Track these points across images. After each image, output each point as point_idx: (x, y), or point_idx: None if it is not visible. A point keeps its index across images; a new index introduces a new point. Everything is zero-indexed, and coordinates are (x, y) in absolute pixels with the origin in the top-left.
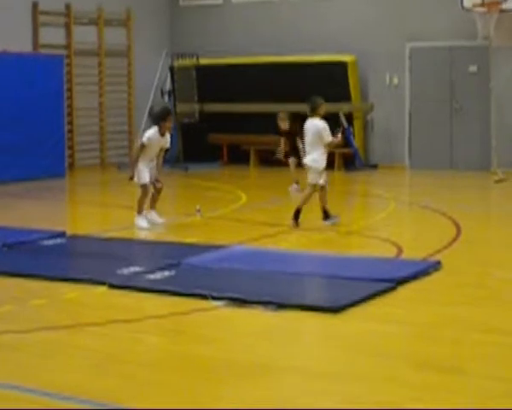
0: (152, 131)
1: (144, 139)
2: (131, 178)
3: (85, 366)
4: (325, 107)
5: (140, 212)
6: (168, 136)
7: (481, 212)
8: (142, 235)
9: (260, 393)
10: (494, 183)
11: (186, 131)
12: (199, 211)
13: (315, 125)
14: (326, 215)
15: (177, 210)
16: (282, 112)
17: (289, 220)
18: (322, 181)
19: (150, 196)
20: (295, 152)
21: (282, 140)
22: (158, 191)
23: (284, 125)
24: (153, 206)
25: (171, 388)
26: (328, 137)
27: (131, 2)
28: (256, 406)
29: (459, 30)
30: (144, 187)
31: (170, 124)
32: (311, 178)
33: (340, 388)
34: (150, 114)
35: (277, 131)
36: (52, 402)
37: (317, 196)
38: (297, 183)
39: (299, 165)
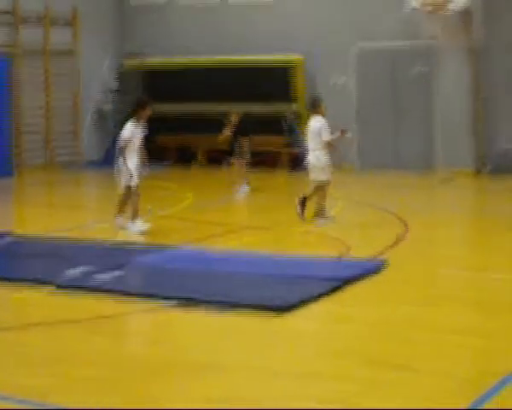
0: (129, 125)
1: (126, 136)
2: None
3: (30, 366)
4: (324, 106)
5: (136, 216)
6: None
7: (427, 211)
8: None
9: (208, 389)
10: (439, 183)
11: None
12: (150, 211)
13: (315, 124)
14: (320, 213)
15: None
16: (234, 110)
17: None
18: (324, 178)
19: (122, 200)
20: (239, 151)
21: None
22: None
23: (235, 119)
24: (123, 209)
25: (115, 387)
26: (327, 136)
27: (78, 1)
28: (203, 400)
29: (406, 31)
30: (136, 188)
31: (149, 111)
32: (314, 175)
33: (287, 385)
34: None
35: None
36: None
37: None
38: (247, 183)
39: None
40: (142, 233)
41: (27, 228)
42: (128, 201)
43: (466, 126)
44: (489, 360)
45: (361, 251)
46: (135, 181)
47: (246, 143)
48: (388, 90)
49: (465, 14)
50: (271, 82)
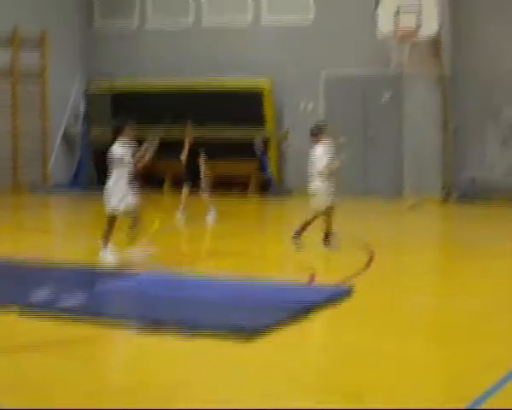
0: (118, 145)
1: (119, 155)
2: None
3: None
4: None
5: (105, 243)
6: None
7: (394, 237)
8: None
9: None
10: (407, 209)
11: (100, 155)
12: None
13: (317, 152)
14: (327, 240)
15: (91, 235)
16: (189, 125)
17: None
18: (323, 206)
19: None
20: (191, 174)
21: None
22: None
23: (189, 137)
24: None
25: None
26: (320, 165)
27: (47, 23)
28: None
29: (373, 58)
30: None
31: (132, 131)
32: (315, 203)
33: None
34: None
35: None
36: None
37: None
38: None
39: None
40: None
41: None
42: (114, 227)
43: (434, 154)
44: (450, 388)
45: (327, 277)
46: (116, 204)
47: (203, 165)
48: (357, 117)
49: (434, 42)
50: (242, 106)
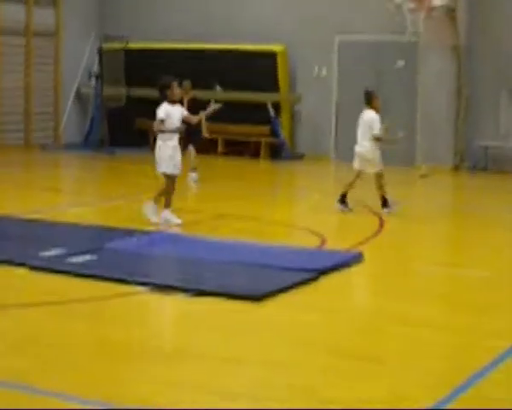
0: (163, 105)
1: (162, 114)
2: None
3: (3, 348)
4: (379, 101)
5: (167, 206)
6: (179, 105)
7: (404, 207)
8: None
9: (177, 375)
10: (419, 178)
11: (113, 115)
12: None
13: (367, 117)
14: (384, 203)
15: (100, 193)
16: (187, 82)
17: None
18: (372, 170)
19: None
20: (194, 134)
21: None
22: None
23: (188, 95)
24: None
25: (89, 370)
26: (376, 130)
27: None
28: (174, 385)
29: (388, 24)
30: (165, 177)
31: (177, 89)
32: (356, 164)
33: (255, 372)
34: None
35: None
36: None
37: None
38: (194, 170)
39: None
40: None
41: (3, 208)
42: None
43: (447, 123)
44: (457, 354)
45: (337, 243)
46: (171, 168)
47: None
48: (371, 84)
49: (450, 11)
50: (254, 71)
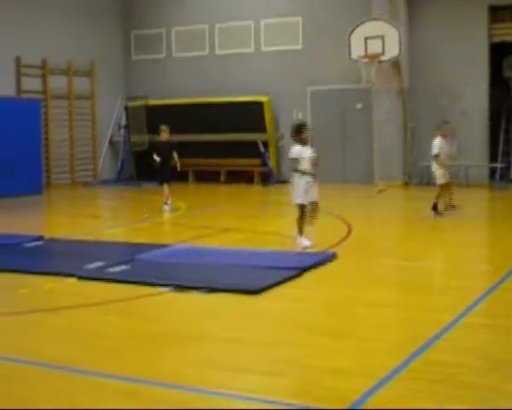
0: (296, 147)
1: (295, 154)
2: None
3: (60, 340)
4: (447, 128)
5: (300, 232)
6: (309, 147)
7: (367, 214)
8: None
9: (196, 355)
10: (377, 192)
11: (138, 156)
12: (147, 217)
13: (434, 142)
14: (449, 207)
15: (131, 217)
16: (164, 126)
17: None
18: (442, 181)
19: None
20: (166, 170)
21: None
22: (312, 211)
23: (164, 137)
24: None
25: (125, 354)
26: (434, 151)
27: (95, 56)
28: (192, 363)
29: (348, 76)
30: (300, 207)
31: (306, 134)
32: (437, 180)
33: (256, 351)
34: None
35: (157, 144)
36: (35, 368)
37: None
38: (166, 203)
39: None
40: (305, 248)
41: (55, 232)
42: (303, 219)
43: (397, 149)
44: (411, 327)
45: (316, 246)
46: (298, 200)
47: (175, 156)
48: (337, 122)
49: (396, 63)
50: (247, 117)
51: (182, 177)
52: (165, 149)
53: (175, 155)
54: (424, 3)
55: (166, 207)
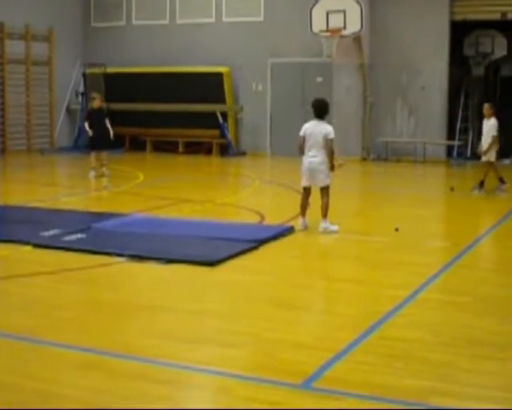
0: (329, 126)
1: (333, 135)
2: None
3: (16, 309)
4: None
5: (302, 213)
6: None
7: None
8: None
9: (154, 327)
10: (336, 167)
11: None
12: (106, 187)
13: (489, 123)
14: (482, 186)
15: (87, 185)
16: (96, 93)
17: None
18: (490, 159)
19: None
20: (95, 138)
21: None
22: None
23: (96, 104)
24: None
25: (83, 324)
26: (494, 133)
27: (53, 22)
28: (150, 335)
29: (309, 49)
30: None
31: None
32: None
33: (214, 322)
34: (315, 107)
35: (89, 111)
36: None
37: None
38: (94, 169)
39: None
40: (336, 232)
41: (10, 200)
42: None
43: (356, 124)
44: (368, 302)
45: (273, 219)
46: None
47: (108, 124)
48: (297, 96)
49: (357, 38)
50: (206, 88)
51: (140, 146)
52: (97, 116)
53: (107, 122)
54: None
55: (92, 173)
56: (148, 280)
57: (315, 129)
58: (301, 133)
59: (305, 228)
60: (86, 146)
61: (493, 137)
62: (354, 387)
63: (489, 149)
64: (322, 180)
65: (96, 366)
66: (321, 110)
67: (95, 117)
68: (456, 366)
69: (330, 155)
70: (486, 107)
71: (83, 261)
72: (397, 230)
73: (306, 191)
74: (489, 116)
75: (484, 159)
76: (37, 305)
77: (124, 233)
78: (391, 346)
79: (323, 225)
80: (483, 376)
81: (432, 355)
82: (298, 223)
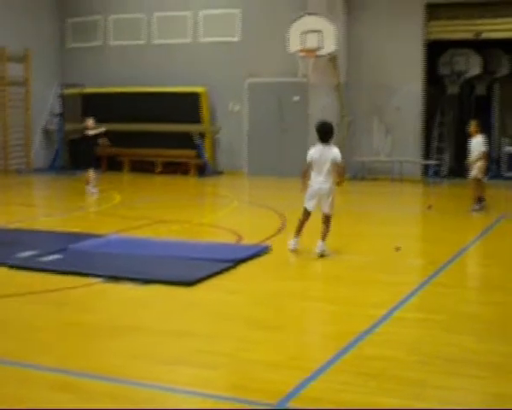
0: (336, 149)
1: (340, 158)
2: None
3: None
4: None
5: (296, 233)
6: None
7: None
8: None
9: (132, 348)
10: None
11: (73, 145)
12: (82, 207)
13: (476, 141)
14: (479, 201)
15: (64, 206)
16: (90, 119)
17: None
18: (479, 176)
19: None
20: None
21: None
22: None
23: (92, 130)
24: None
25: (58, 346)
26: (481, 150)
27: (30, 43)
28: (126, 356)
29: (285, 69)
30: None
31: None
32: (475, 175)
33: (190, 342)
34: (320, 131)
35: (84, 136)
36: None
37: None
38: (94, 186)
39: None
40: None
41: None
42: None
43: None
44: (344, 321)
45: (250, 239)
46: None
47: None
48: (274, 115)
49: (332, 58)
50: (183, 108)
51: (117, 167)
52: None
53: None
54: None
55: (93, 190)
56: (124, 301)
57: (322, 154)
58: (308, 159)
59: (296, 249)
60: (62, 167)
61: (483, 153)
62: (329, 406)
63: (476, 162)
64: (329, 207)
65: (71, 388)
66: (326, 134)
67: (86, 138)
68: (431, 384)
69: (341, 177)
70: (473, 124)
71: (59, 282)
72: (398, 249)
73: (308, 214)
74: (475, 133)
75: (472, 175)
76: (12, 326)
77: (100, 254)
78: (366, 365)
79: (322, 247)
80: (457, 393)
81: (406, 373)
82: (289, 242)
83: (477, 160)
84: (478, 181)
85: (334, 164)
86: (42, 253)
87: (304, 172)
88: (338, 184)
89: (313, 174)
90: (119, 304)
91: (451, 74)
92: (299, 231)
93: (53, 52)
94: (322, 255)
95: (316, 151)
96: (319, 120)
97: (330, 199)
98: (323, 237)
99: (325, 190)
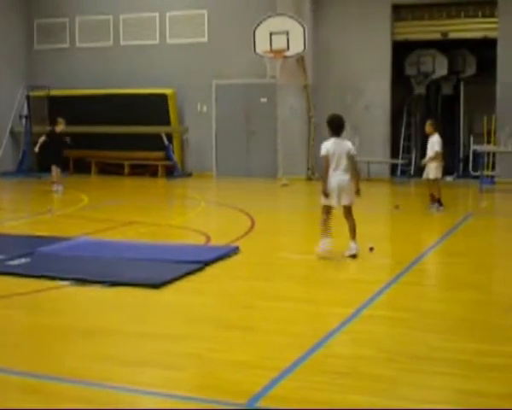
0: (349, 142)
1: (354, 151)
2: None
3: None
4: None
5: (323, 234)
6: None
7: (271, 208)
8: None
9: (98, 350)
10: (281, 187)
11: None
12: (50, 210)
13: (432, 139)
14: (438, 203)
15: (31, 209)
16: (61, 118)
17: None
18: (432, 177)
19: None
20: (59, 158)
21: (44, 138)
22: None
23: (59, 128)
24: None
25: (26, 349)
26: (437, 149)
27: None
28: (94, 358)
29: (253, 70)
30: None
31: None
32: (432, 175)
33: (158, 344)
34: (332, 124)
35: (51, 133)
36: None
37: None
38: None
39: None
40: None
41: None
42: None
43: (301, 144)
44: (313, 320)
45: (219, 240)
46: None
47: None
48: (242, 116)
49: (300, 58)
50: (151, 109)
51: (84, 169)
52: (57, 139)
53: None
54: (329, 0)
55: (57, 188)
56: (92, 304)
57: (338, 147)
58: (324, 153)
59: (330, 251)
60: (30, 169)
61: (436, 152)
62: (298, 405)
63: (430, 162)
64: (350, 199)
65: (38, 391)
66: (339, 126)
67: (54, 139)
68: (399, 381)
69: (356, 175)
70: (428, 124)
71: (26, 286)
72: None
73: (331, 211)
74: (431, 133)
75: (424, 176)
76: None
77: (68, 257)
78: (335, 363)
79: (354, 246)
80: (425, 391)
81: (375, 371)
82: (321, 247)
83: (431, 160)
84: (433, 181)
85: (350, 156)
86: (9, 256)
87: (325, 169)
88: (357, 193)
89: (330, 170)
90: (86, 307)
91: (418, 75)
92: (329, 229)
93: (19, 54)
94: (355, 256)
95: (331, 145)
96: (330, 114)
97: (351, 191)
98: (354, 236)
99: (345, 182)
